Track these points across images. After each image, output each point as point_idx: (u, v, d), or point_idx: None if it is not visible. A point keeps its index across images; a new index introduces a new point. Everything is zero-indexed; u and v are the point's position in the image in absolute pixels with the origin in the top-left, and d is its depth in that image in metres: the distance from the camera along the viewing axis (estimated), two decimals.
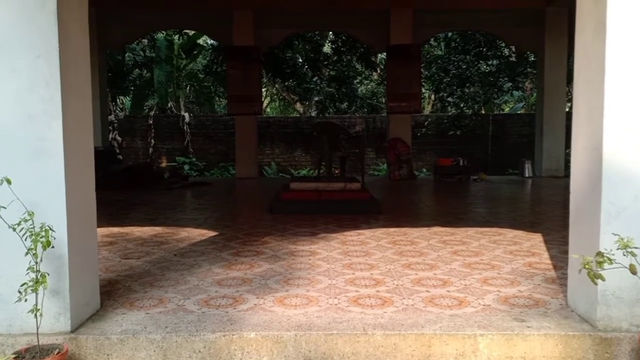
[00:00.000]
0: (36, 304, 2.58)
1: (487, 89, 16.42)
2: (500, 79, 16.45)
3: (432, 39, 15.88)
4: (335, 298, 3.33)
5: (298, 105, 20.60)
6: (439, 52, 17.47)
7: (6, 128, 2.71)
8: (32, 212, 2.58)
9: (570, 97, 11.61)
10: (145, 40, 16.54)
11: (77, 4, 2.93)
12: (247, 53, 11.25)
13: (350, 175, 8.63)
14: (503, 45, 15.66)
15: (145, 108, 18.17)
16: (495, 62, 16.65)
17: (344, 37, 15.42)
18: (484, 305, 3.18)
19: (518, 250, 4.58)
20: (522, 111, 18.80)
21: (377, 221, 6.14)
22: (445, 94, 16.83)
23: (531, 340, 2.75)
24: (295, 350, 2.76)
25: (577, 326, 2.85)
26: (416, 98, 11.53)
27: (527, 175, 11.60)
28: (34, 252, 2.53)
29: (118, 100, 18.28)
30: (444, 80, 16.37)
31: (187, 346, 2.75)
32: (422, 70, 13.46)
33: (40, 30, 2.67)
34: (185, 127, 16.02)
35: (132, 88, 17.43)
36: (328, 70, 18.01)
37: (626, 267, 2.45)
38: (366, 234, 5.36)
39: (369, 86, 20.16)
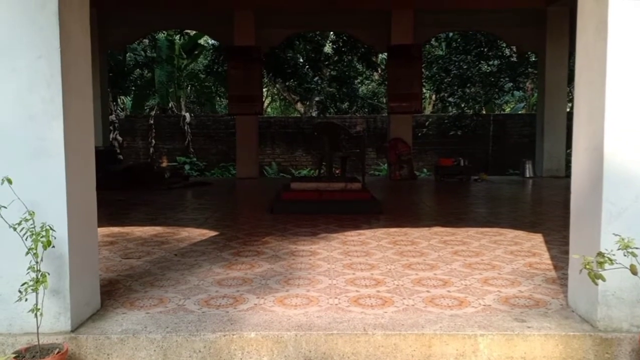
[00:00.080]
0: (36, 304, 2.59)
1: (488, 89, 16.40)
2: (501, 79, 16.43)
3: (433, 39, 15.86)
4: (336, 298, 3.33)
5: (299, 105, 20.59)
6: (440, 52, 17.47)
7: (7, 128, 2.72)
8: (33, 212, 2.59)
9: (571, 97, 11.57)
10: (146, 40, 16.52)
11: (78, 4, 2.93)
12: (248, 53, 11.23)
13: (351, 175, 8.62)
14: (504, 45, 15.65)
15: (146, 108, 18.16)
16: (496, 62, 16.64)
17: (344, 37, 15.40)
18: (484, 305, 3.18)
19: (519, 251, 4.58)
20: (523, 111, 18.79)
21: (377, 221, 6.14)
22: (446, 94, 16.82)
23: (531, 341, 2.75)
24: (296, 350, 2.76)
25: (578, 326, 2.85)
26: (417, 98, 11.51)
27: (527, 176, 11.57)
28: (34, 251, 2.54)
29: (119, 100, 18.27)
30: (445, 80, 16.35)
31: (187, 346, 2.75)
32: (423, 70, 13.44)
33: (41, 30, 2.68)
34: (186, 127, 16.01)
35: (133, 88, 17.42)
36: (329, 70, 18.01)
37: (627, 268, 2.45)
38: (367, 234, 5.36)
39: (369, 86, 20.15)
